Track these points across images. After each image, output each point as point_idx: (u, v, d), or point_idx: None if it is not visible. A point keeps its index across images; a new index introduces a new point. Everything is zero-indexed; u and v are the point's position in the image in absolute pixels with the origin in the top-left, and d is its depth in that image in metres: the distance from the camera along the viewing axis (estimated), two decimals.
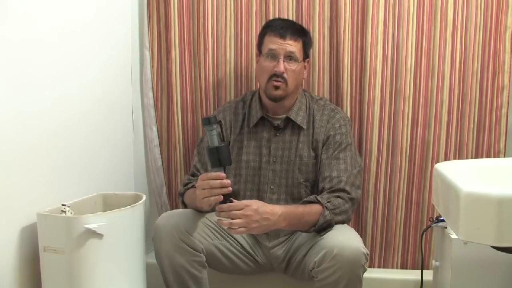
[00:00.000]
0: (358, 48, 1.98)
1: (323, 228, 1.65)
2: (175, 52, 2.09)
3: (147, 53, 2.13)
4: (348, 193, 1.71)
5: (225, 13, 2.05)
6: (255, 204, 1.60)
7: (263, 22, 2.01)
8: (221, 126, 1.63)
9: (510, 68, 1.89)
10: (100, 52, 1.92)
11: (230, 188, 1.59)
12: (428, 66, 1.93)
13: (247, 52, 2.06)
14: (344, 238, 1.58)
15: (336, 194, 1.70)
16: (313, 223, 1.65)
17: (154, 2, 2.09)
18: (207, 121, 1.59)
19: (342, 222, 1.70)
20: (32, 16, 1.56)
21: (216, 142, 1.59)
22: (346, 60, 1.97)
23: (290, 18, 1.98)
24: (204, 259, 1.70)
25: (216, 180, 1.58)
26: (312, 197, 1.70)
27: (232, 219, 1.56)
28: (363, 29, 1.96)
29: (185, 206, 1.83)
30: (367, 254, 1.57)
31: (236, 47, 2.06)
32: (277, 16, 2.00)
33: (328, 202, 1.67)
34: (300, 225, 1.67)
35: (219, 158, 1.58)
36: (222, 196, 1.58)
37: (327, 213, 1.64)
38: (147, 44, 2.12)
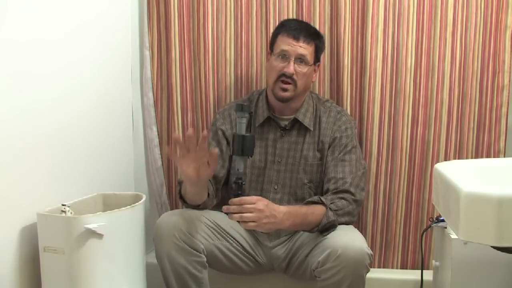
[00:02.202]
0: (358, 48, 1.98)
1: (326, 228, 1.65)
2: (175, 52, 2.09)
3: (147, 53, 2.13)
4: (352, 194, 1.71)
5: (225, 13, 2.05)
6: (266, 200, 1.60)
7: (263, 22, 2.02)
8: (251, 118, 1.61)
9: (510, 67, 1.89)
10: (100, 52, 1.92)
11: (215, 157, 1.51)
12: (428, 66, 1.93)
13: (247, 52, 2.06)
14: (348, 239, 1.58)
15: (340, 195, 1.70)
16: (316, 224, 1.65)
17: (154, 2, 2.09)
18: (240, 108, 1.59)
19: (346, 224, 1.70)
20: (32, 16, 1.56)
21: (243, 130, 1.59)
22: (346, 60, 1.97)
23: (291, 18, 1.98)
24: (205, 259, 1.70)
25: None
26: (315, 198, 1.70)
27: (243, 213, 1.55)
28: (363, 29, 1.95)
29: (183, 201, 1.80)
30: (371, 255, 1.58)
31: (236, 47, 2.06)
32: (277, 17, 2.00)
33: (331, 203, 1.67)
34: (304, 225, 1.66)
35: (243, 147, 1.58)
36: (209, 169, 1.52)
37: (330, 213, 1.64)
38: (147, 44, 2.12)
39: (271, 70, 1.80)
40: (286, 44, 1.75)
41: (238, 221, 1.57)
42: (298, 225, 1.66)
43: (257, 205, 1.56)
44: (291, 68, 1.74)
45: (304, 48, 1.75)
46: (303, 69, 1.76)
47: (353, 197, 1.71)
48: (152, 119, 2.15)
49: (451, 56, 1.91)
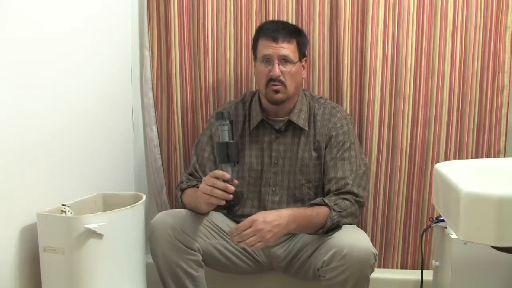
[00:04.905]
0: (358, 48, 1.98)
1: (330, 230, 1.65)
2: (175, 52, 2.09)
3: (147, 53, 2.13)
4: (355, 195, 1.70)
5: (225, 13, 2.05)
6: (261, 215, 1.57)
7: None
8: (232, 124, 1.63)
9: (510, 68, 1.89)
10: (100, 52, 1.92)
11: (231, 196, 1.58)
12: (428, 66, 1.93)
13: (247, 52, 2.05)
14: (354, 238, 1.57)
15: (343, 196, 1.69)
16: (321, 225, 1.64)
17: (154, 2, 2.09)
18: (221, 116, 1.60)
19: (350, 224, 1.69)
20: (32, 16, 1.56)
21: (226, 137, 1.59)
22: (346, 60, 1.97)
23: (290, 19, 1.99)
24: (201, 258, 1.70)
25: (220, 181, 1.57)
26: (319, 200, 1.69)
27: (246, 239, 1.54)
28: (363, 29, 1.95)
29: (181, 203, 1.81)
30: (376, 254, 1.57)
31: (236, 47, 2.06)
32: (277, 17, 2.00)
33: (335, 204, 1.66)
34: (309, 228, 1.65)
35: (228, 154, 1.58)
36: (223, 201, 1.58)
37: (334, 215, 1.64)
38: (147, 44, 2.12)
39: (258, 75, 1.80)
40: (267, 47, 1.74)
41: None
42: (303, 228, 1.65)
43: (254, 226, 1.54)
44: (276, 70, 1.73)
45: (285, 48, 1.73)
46: (289, 68, 1.74)
47: (355, 197, 1.70)
48: (152, 119, 2.15)
49: (451, 57, 1.91)
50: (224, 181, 1.58)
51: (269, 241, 1.56)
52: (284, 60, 1.74)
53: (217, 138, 1.68)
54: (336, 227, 1.65)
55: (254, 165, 1.83)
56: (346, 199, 1.69)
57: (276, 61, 1.73)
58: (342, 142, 1.78)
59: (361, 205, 1.73)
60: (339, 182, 1.72)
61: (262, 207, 1.80)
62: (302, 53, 1.81)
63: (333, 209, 1.64)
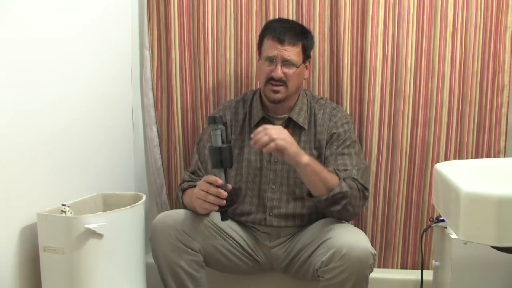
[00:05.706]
0: (358, 48, 1.98)
1: (334, 201, 1.62)
2: (175, 52, 2.09)
3: (147, 53, 2.13)
4: (360, 184, 1.68)
5: (225, 13, 2.05)
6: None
7: (263, 22, 2.01)
8: (226, 127, 1.62)
9: (510, 68, 1.89)
10: (100, 52, 1.92)
11: (224, 202, 1.58)
12: (428, 66, 1.93)
13: (247, 52, 2.06)
14: (353, 238, 1.57)
15: (350, 180, 1.67)
16: (330, 188, 1.62)
17: (154, 2, 2.09)
18: (213, 120, 1.59)
19: (352, 213, 1.67)
20: (33, 16, 1.56)
21: (219, 142, 1.59)
22: (346, 60, 1.97)
23: (290, 18, 1.98)
24: (202, 258, 1.70)
25: (214, 187, 1.58)
26: (330, 168, 1.68)
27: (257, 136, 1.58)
28: (363, 29, 1.96)
29: (182, 204, 1.81)
30: (375, 255, 1.57)
31: (236, 47, 2.06)
32: (277, 17, 2.00)
33: (344, 179, 1.65)
34: (321, 179, 1.62)
35: (221, 159, 1.58)
36: (217, 206, 1.59)
37: (343, 184, 1.63)
38: (147, 44, 2.12)
39: (260, 73, 1.80)
40: (272, 48, 1.74)
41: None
42: (315, 173, 1.61)
43: (263, 127, 1.59)
44: (278, 72, 1.73)
45: (289, 51, 1.73)
46: (291, 70, 1.74)
47: (361, 185, 1.68)
48: (152, 119, 2.15)
49: (451, 57, 1.91)
50: (218, 186, 1.58)
51: (276, 139, 1.56)
52: (288, 62, 1.74)
53: (209, 142, 1.67)
54: (341, 198, 1.62)
55: (253, 162, 1.83)
56: (354, 181, 1.67)
57: (280, 62, 1.74)
58: (343, 139, 1.78)
59: (365, 195, 1.71)
60: (342, 173, 1.69)
61: (262, 204, 1.80)
62: (307, 55, 1.81)
63: (344, 180, 1.63)
